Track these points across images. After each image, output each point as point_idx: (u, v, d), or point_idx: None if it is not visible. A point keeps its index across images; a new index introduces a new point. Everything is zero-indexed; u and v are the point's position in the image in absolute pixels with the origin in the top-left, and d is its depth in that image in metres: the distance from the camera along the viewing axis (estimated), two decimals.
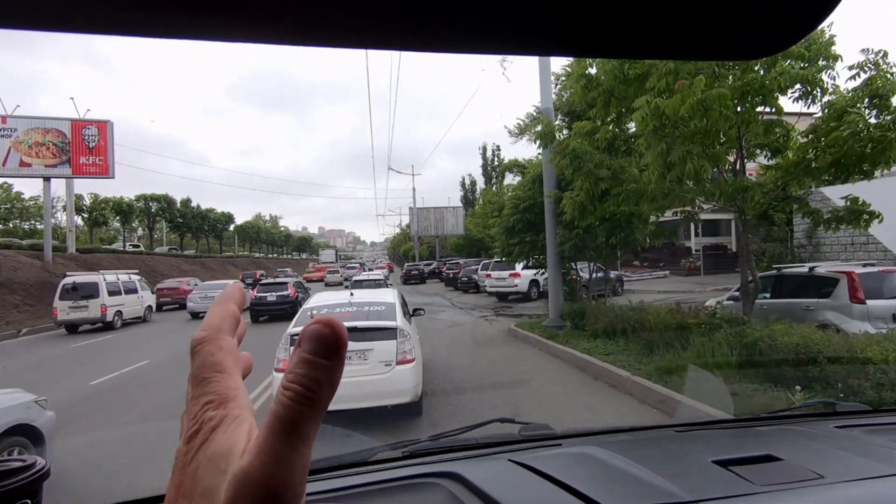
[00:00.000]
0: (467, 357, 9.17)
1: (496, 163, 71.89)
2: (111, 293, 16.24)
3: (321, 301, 6.15)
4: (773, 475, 1.07)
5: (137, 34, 0.32)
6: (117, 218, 37.67)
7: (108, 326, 15.98)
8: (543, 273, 13.22)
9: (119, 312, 16.55)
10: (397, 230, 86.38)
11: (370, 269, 36.01)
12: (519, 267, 18.74)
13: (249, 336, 4.31)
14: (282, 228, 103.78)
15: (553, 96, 11.39)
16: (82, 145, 24.19)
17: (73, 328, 16.04)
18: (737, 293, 9.06)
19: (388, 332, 5.13)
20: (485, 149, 71.52)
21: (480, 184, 70.44)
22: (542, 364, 8.15)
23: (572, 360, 7.83)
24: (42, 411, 4.09)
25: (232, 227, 63.50)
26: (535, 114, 28.97)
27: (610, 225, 8.60)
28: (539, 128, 9.96)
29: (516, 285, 18.58)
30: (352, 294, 6.28)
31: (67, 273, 17.12)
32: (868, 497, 0.99)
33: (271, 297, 16.73)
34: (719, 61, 1.84)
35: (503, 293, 19.56)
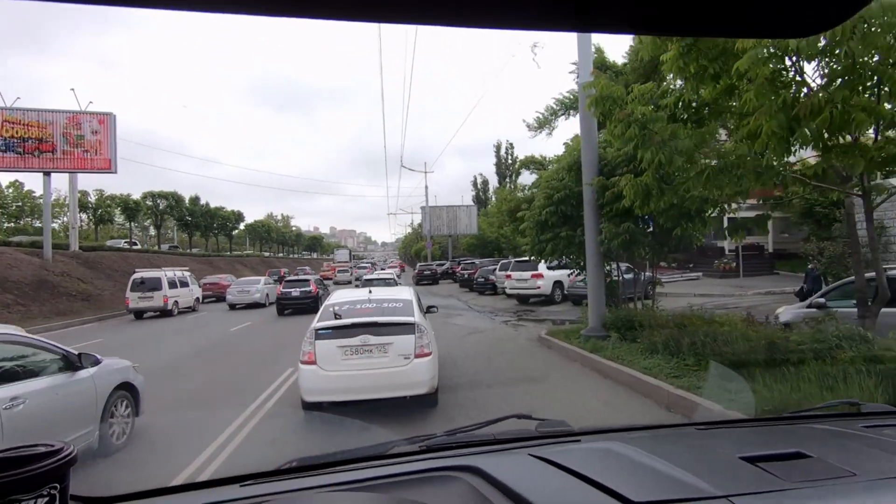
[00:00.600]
0: (495, 373, 7.73)
1: (510, 161, 70.63)
2: (171, 286, 19.18)
3: (342, 298, 6.19)
4: (804, 472, 1.03)
5: (141, 4, 0.32)
6: (123, 216, 36.85)
7: (167, 314, 18.84)
8: (576, 274, 11.70)
9: (176, 302, 19.49)
10: (409, 230, 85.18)
11: (382, 269, 36.28)
12: (542, 267, 17.24)
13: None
14: (293, 228, 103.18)
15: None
16: (81, 138, 23.20)
17: (139, 315, 18.95)
18: (821, 299, 7.52)
19: (407, 328, 5.27)
20: (498, 147, 69.87)
21: (493, 183, 69.13)
22: (590, 385, 6.68)
23: (629, 382, 6.34)
24: (137, 374, 5.32)
25: (242, 226, 62.73)
26: (566, 98, 27.29)
27: (677, 213, 7.08)
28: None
29: (539, 287, 17.08)
30: (370, 291, 6.35)
31: (136, 269, 20.10)
32: None
33: (295, 292, 18.29)
34: (767, 38, 1.83)
35: (524, 295, 18.08)
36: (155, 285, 18.59)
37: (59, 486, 0.75)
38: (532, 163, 38.36)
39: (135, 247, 36.09)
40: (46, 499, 0.73)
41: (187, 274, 21.56)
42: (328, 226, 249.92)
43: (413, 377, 5.10)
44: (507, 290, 18.32)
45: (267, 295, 21.09)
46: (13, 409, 3.70)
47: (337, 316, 5.38)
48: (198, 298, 21.86)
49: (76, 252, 26.00)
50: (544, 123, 29.76)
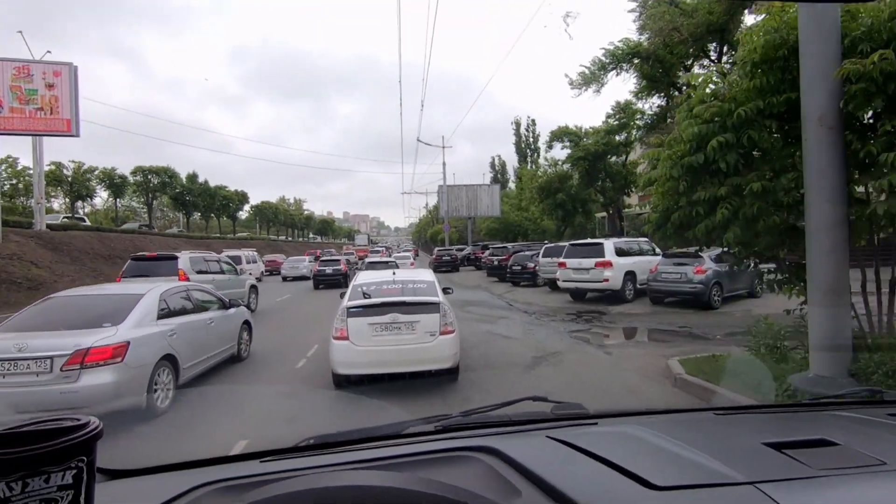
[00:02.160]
0: None
1: (532, 139, 65.62)
2: (247, 262, 22.61)
3: (369, 279, 6.53)
4: (832, 460, 0.99)
5: None
6: (108, 192, 33.09)
7: None
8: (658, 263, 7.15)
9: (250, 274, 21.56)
10: (423, 213, 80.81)
11: (398, 253, 35.29)
12: (610, 252, 12.84)
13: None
14: (306, 211, 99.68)
15: None
16: (33, 93, 19.16)
17: None
18: None
19: (433, 307, 5.65)
20: (518, 124, 64.93)
21: (512, 164, 64.27)
22: None
23: None
24: (250, 315, 8.32)
25: (248, 207, 59.02)
26: (617, 49, 22.48)
27: None
28: None
29: (606, 279, 12.68)
30: (394, 273, 6.73)
31: (224, 249, 23.42)
32: None
33: (328, 269, 21.73)
34: None
35: (581, 290, 13.71)
36: (236, 262, 20.70)
37: (86, 459, 0.76)
38: (566, 134, 33.64)
39: (144, 228, 32.45)
40: (74, 471, 0.75)
41: (255, 254, 26.99)
42: (341, 211, 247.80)
43: (438, 353, 5.48)
44: (561, 282, 13.93)
45: (310, 270, 25.14)
46: (210, 325, 6.55)
47: (366, 295, 5.82)
48: (262, 272, 27.29)
49: (40, 231, 22.24)
50: (591, 80, 25.07)
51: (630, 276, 12.91)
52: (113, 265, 24.07)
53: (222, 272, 13.09)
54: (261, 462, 1.19)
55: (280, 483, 0.86)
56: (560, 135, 33.51)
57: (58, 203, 31.29)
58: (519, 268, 18.68)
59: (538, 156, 62.64)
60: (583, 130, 33.88)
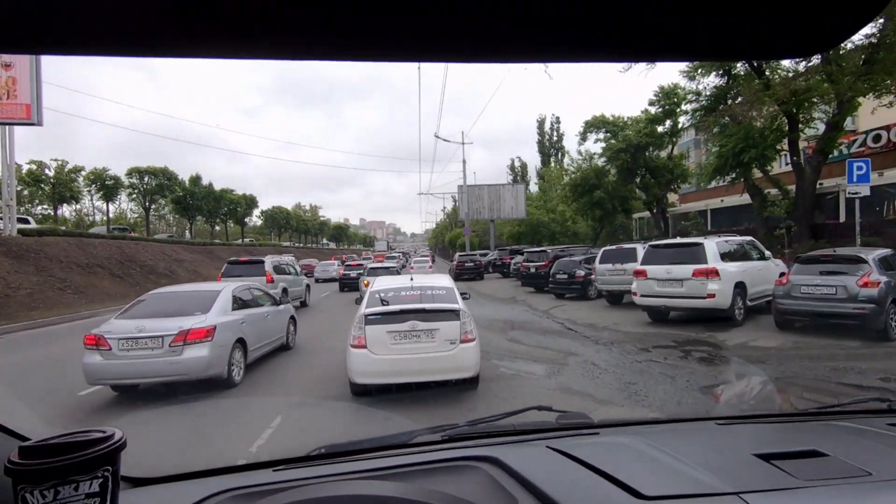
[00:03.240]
0: None
1: (556, 138, 61.77)
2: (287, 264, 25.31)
3: (386, 285, 6.29)
4: (817, 471, 1.03)
5: (148, 54, 0.35)
6: (100, 195, 30.39)
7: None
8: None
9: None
10: (441, 217, 77.45)
11: (416, 258, 36.04)
12: (712, 255, 9.16)
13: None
14: (321, 217, 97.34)
15: None
16: None
17: None
18: None
19: (453, 314, 5.42)
20: (542, 122, 61.21)
21: (535, 165, 60.45)
22: None
23: None
24: (295, 311, 9.51)
25: (258, 212, 56.38)
26: None
27: None
28: None
29: (712, 294, 8.92)
30: (412, 279, 6.48)
31: (269, 255, 21.38)
32: None
33: (352, 273, 22.76)
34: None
35: (666, 307, 9.99)
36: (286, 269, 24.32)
37: (111, 469, 0.81)
38: (603, 124, 29.90)
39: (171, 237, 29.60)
40: (101, 480, 0.80)
41: (293, 259, 28.16)
42: (358, 217, 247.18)
43: (459, 362, 5.28)
44: (639, 298, 10.15)
45: (338, 273, 26.51)
46: (267, 318, 7.78)
47: (384, 302, 5.57)
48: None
49: (6, 237, 19.35)
50: None
51: (739, 288, 9.17)
52: (91, 275, 21.10)
53: (289, 273, 16.08)
54: (273, 471, 1.25)
55: (290, 492, 0.91)
56: (596, 125, 29.75)
57: (41, 207, 28.69)
58: (565, 276, 15.01)
59: (563, 155, 58.85)
60: (621, 120, 30.13)
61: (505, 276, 27.38)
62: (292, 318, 8.98)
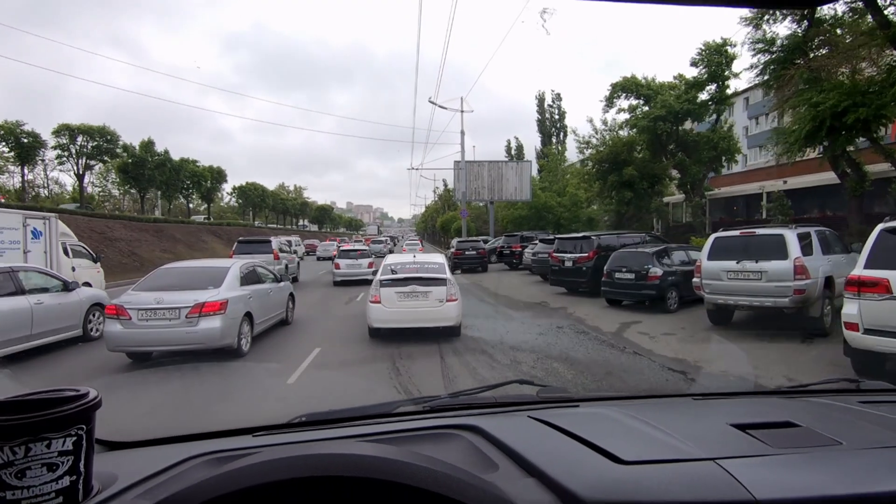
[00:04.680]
0: None
1: (557, 116, 56.64)
2: (295, 245, 29.98)
3: (396, 260, 8.65)
4: (791, 440, 1.06)
5: None
6: (14, 155, 24.44)
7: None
8: None
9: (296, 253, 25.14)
10: (432, 200, 71.96)
11: (408, 241, 38.16)
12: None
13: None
14: (307, 199, 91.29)
15: None
16: None
17: None
18: None
19: (441, 281, 7.58)
20: (542, 99, 55.88)
21: (531, 146, 55.28)
22: None
23: None
24: (293, 288, 10.07)
25: (228, 189, 50.45)
26: None
27: None
28: None
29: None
30: (415, 256, 8.85)
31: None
32: (888, 464, 0.97)
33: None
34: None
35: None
36: (289, 245, 25.07)
37: (85, 428, 0.80)
38: (635, 86, 24.90)
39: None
40: (74, 438, 0.78)
41: (299, 239, 35.40)
42: (345, 201, 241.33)
43: (445, 314, 7.41)
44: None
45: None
46: (270, 294, 8.21)
47: (394, 272, 7.80)
48: (304, 252, 34.38)
49: None
50: None
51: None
52: None
53: (290, 252, 19.51)
54: (253, 436, 1.22)
55: (273, 449, 0.89)
56: (626, 88, 24.70)
57: None
58: (630, 276, 10.03)
59: (565, 135, 53.92)
60: (655, 84, 25.13)
61: (512, 268, 22.49)
62: (291, 294, 9.48)
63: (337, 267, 17.12)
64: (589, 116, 25.25)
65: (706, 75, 22.67)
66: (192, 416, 3.80)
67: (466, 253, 21.63)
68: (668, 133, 23.75)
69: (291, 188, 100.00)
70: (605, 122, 25.89)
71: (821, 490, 0.85)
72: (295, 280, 17.64)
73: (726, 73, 22.53)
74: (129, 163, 32.65)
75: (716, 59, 22.27)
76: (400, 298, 7.42)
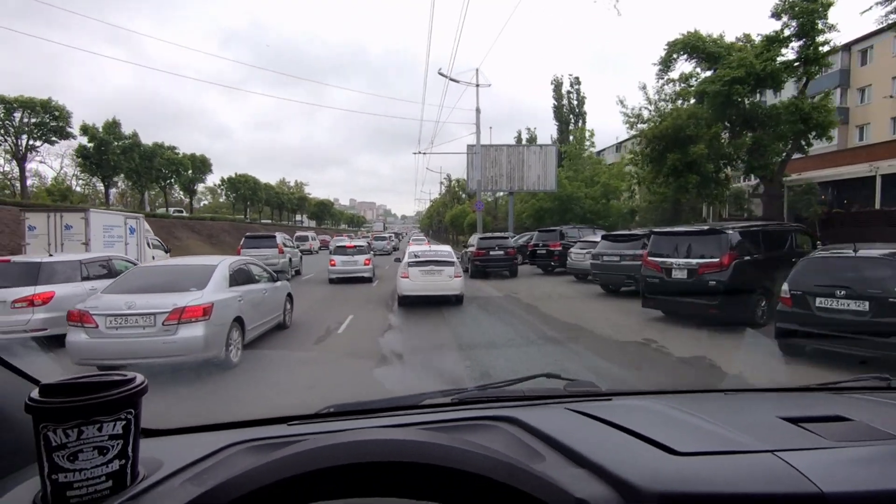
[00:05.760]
0: None
1: (577, 101, 51.62)
2: (311, 240, 34.76)
3: (416, 248, 12.05)
4: (847, 433, 1.01)
5: None
6: None
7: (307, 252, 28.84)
8: None
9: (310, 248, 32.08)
10: (440, 193, 66.89)
11: (415, 237, 38.10)
12: None
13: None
14: (309, 194, 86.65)
15: None
16: None
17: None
18: None
19: (451, 263, 10.71)
20: (558, 85, 50.62)
21: (549, 134, 50.24)
22: None
23: None
24: (291, 288, 8.82)
25: (215, 182, 45.77)
26: None
27: None
28: None
29: None
30: (430, 247, 12.74)
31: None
32: None
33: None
34: None
35: None
36: (304, 240, 32.43)
37: (133, 412, 0.80)
38: (699, 44, 19.97)
39: None
40: (123, 422, 0.78)
41: (312, 234, 37.73)
42: (348, 198, 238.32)
43: (453, 286, 10.44)
44: None
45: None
46: (265, 295, 7.28)
47: (417, 256, 10.85)
48: (318, 247, 37.21)
49: None
50: None
51: None
52: None
53: (294, 247, 19.99)
54: (288, 425, 1.20)
55: (316, 438, 0.87)
56: (688, 47, 19.83)
57: None
58: (865, 308, 5.12)
59: (584, 122, 48.93)
60: (724, 42, 20.19)
61: (547, 272, 17.72)
62: (289, 295, 8.56)
63: (332, 264, 15.65)
64: (641, 82, 19.99)
65: (797, 29, 17.72)
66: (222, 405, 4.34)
67: (491, 253, 16.75)
68: (741, 103, 18.82)
69: (292, 183, 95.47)
70: (659, 92, 20.95)
71: (890, 483, 0.82)
72: (298, 273, 18.57)
73: (818, 25, 17.62)
74: (88, 147, 27.91)
75: (806, 5, 17.36)
76: (422, 274, 10.43)
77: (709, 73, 19.88)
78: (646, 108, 21.04)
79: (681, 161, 18.14)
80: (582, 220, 27.84)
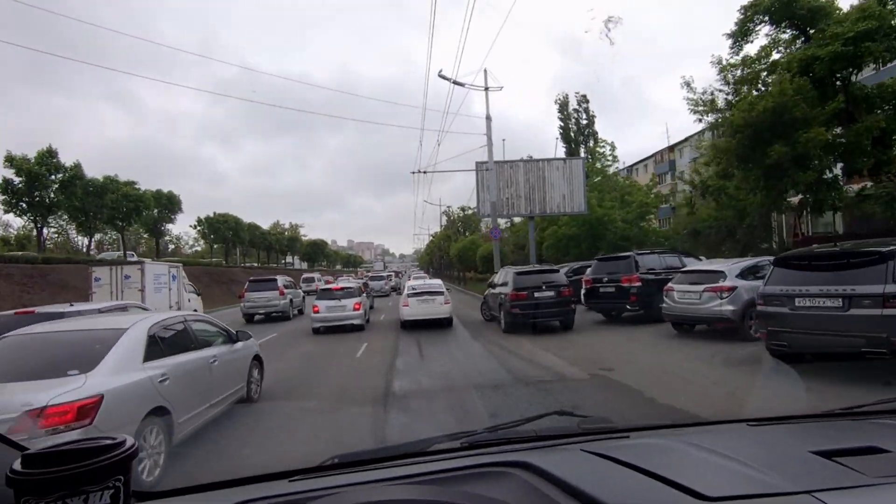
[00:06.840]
0: None
1: (586, 121, 47.45)
2: (317, 281, 33.16)
3: (414, 283, 15.14)
4: (885, 467, 0.93)
5: None
6: None
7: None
8: None
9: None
10: (439, 228, 61.77)
11: (416, 275, 36.58)
12: None
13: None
14: (304, 237, 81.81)
15: None
16: None
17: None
18: None
19: (441, 294, 13.31)
20: (564, 105, 46.59)
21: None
22: None
23: None
24: (259, 348, 6.77)
25: (190, 221, 40.57)
26: None
27: None
28: None
29: None
30: (425, 281, 16.15)
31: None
32: None
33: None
34: None
35: None
36: (310, 282, 33.95)
37: (122, 478, 0.75)
38: (786, 5, 15.23)
39: None
40: (112, 491, 0.73)
41: (318, 275, 38.89)
42: (345, 239, 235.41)
43: (443, 311, 13.04)
44: None
45: None
46: (213, 365, 5.15)
47: (414, 289, 13.62)
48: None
49: None
50: None
51: None
52: None
53: (295, 287, 20.80)
54: (289, 482, 1.13)
55: (321, 500, 0.84)
56: (770, 11, 15.13)
57: None
58: None
59: (595, 142, 44.45)
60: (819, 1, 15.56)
61: (610, 317, 12.21)
62: (257, 358, 6.45)
63: (315, 310, 13.72)
64: (716, 56, 15.25)
65: None
66: (220, 461, 3.90)
67: (536, 295, 11.18)
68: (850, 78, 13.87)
69: (287, 225, 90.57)
70: (729, 68, 15.93)
71: None
72: (300, 313, 19.81)
73: None
74: (15, 182, 22.77)
75: None
76: (418, 303, 13.06)
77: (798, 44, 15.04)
78: (719, 91, 16.02)
79: (790, 154, 12.92)
80: (615, 247, 22.67)
